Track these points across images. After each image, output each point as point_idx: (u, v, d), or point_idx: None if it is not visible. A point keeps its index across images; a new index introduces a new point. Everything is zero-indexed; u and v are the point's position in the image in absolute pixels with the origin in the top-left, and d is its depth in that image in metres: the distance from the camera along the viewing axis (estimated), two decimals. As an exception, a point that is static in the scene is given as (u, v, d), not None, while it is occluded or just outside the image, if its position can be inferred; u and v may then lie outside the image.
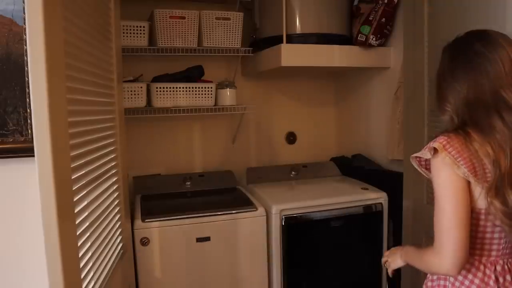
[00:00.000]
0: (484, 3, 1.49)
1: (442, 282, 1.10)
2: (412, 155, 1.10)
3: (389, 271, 1.28)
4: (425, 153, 1.03)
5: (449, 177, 0.98)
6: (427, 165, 1.10)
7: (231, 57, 2.39)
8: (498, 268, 1.04)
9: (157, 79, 2.17)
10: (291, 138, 2.64)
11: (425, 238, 1.85)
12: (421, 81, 1.83)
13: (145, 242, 1.80)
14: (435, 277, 1.13)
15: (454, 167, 0.97)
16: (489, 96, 0.98)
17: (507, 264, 1.05)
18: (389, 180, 2.05)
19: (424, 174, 1.11)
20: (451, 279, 1.07)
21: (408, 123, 1.96)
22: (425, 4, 1.76)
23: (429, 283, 1.15)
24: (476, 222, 1.03)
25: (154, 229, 1.81)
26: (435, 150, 1.00)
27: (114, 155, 1.46)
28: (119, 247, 1.47)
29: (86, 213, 1.10)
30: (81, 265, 1.03)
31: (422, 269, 1.10)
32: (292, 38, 2.07)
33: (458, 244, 0.96)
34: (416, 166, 1.12)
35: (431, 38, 1.76)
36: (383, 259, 1.32)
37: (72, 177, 0.99)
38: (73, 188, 0.99)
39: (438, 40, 1.73)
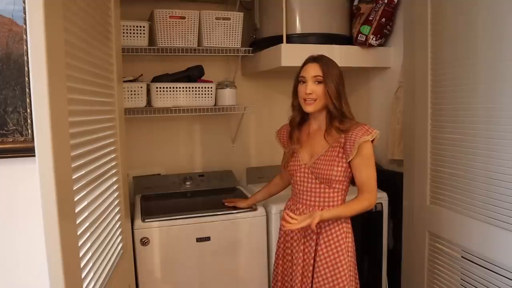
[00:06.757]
0: (488, 2, 1.49)
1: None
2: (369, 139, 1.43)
3: (285, 225, 1.43)
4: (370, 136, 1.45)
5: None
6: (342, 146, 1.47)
7: (231, 57, 2.39)
8: None
9: (157, 79, 2.17)
10: (291, 138, 2.64)
11: (428, 237, 1.85)
12: (422, 81, 1.83)
13: (145, 242, 1.80)
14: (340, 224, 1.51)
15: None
16: None
17: None
18: (389, 180, 2.05)
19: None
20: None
21: (408, 123, 1.96)
22: (428, 4, 1.76)
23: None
24: None
25: (154, 229, 1.81)
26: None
27: (114, 155, 1.46)
28: (119, 247, 1.47)
29: (87, 213, 1.10)
30: (82, 265, 1.03)
31: (353, 214, 1.48)
32: (292, 38, 2.07)
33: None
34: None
35: (434, 38, 1.76)
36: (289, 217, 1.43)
37: (73, 177, 0.99)
38: (74, 188, 0.99)
39: (440, 40, 1.73)
